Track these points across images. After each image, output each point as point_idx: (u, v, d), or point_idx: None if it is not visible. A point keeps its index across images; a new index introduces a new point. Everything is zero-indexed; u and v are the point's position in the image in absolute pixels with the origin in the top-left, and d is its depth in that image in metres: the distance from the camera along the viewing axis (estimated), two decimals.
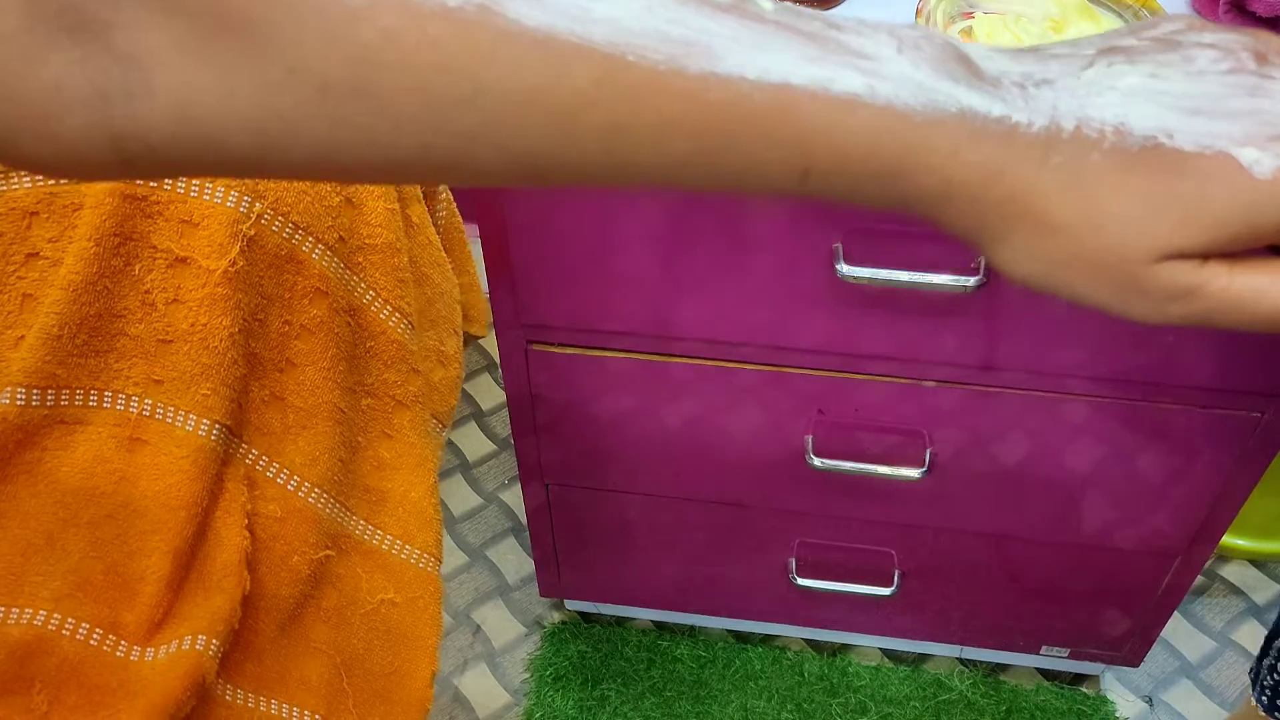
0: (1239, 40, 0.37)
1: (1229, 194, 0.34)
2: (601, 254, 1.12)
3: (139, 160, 0.37)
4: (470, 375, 2.03)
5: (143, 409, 0.82)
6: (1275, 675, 1.02)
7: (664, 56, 0.35)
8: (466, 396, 2.00)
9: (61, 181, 0.79)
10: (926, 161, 0.35)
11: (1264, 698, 1.05)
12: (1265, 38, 0.37)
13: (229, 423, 0.83)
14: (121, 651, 0.80)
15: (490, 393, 2.00)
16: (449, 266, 1.06)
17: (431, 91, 0.35)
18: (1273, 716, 1.05)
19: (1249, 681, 1.10)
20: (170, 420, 0.82)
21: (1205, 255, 0.35)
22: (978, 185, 0.36)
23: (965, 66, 0.36)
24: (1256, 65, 0.36)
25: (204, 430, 0.82)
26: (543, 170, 0.37)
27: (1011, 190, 0.35)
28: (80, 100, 0.35)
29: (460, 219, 1.14)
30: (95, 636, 0.79)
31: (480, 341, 2.06)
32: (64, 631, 0.78)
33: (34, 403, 0.78)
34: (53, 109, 0.35)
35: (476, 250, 1.15)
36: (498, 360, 1.70)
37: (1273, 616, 1.65)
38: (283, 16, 0.34)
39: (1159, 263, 0.35)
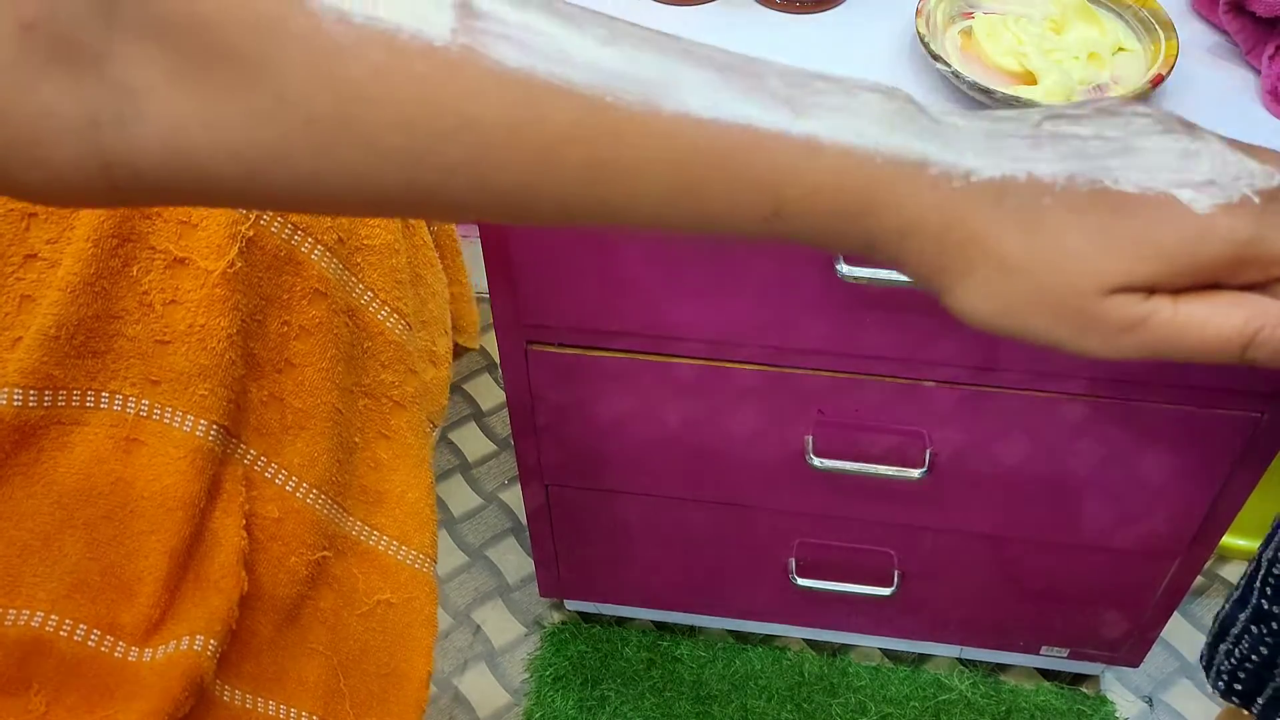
0: (1170, 114, 0.40)
1: (1173, 229, 0.37)
2: (601, 254, 1.12)
3: (127, 188, 0.38)
4: (470, 375, 2.03)
5: (140, 409, 0.82)
6: (1232, 660, 1.02)
7: (639, 98, 0.36)
8: (466, 396, 2.00)
9: None
10: (889, 201, 0.37)
11: (1220, 683, 1.05)
12: (1189, 122, 0.40)
13: (227, 423, 0.83)
14: (119, 652, 0.79)
15: (490, 393, 2.00)
16: (440, 268, 1.06)
17: (416, 126, 0.36)
18: (1230, 701, 1.05)
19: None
20: (168, 421, 0.82)
21: (1151, 289, 0.37)
22: (938, 226, 0.38)
23: (925, 118, 0.38)
24: (1186, 132, 0.39)
25: (201, 431, 0.82)
26: (522, 206, 0.39)
27: (971, 232, 0.38)
28: (71, 128, 0.36)
29: (454, 227, 1.14)
30: (93, 637, 0.79)
31: (480, 341, 2.06)
32: (61, 632, 0.78)
33: (31, 403, 0.78)
34: (44, 136, 0.36)
35: (472, 251, 1.15)
36: (498, 360, 1.70)
37: None
38: (272, 50, 0.35)
39: (1109, 296, 0.37)
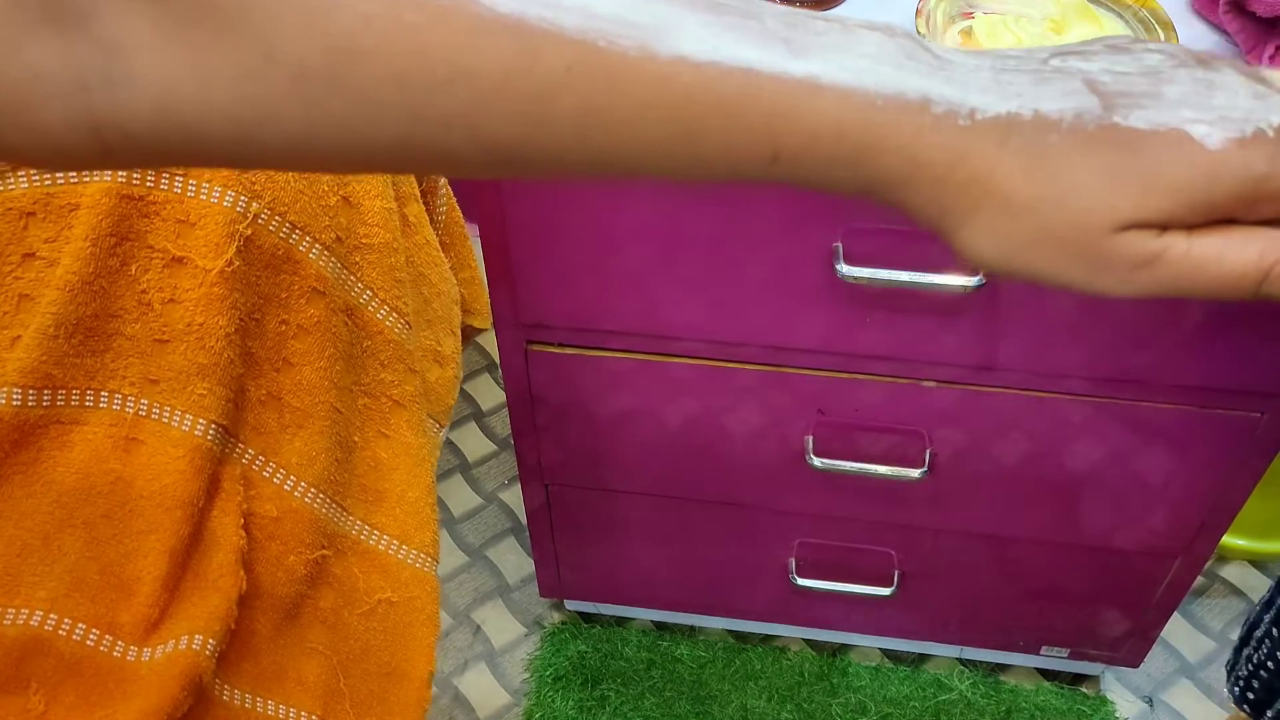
0: (1183, 48, 0.39)
1: (1184, 165, 0.36)
2: (601, 254, 1.12)
3: (118, 149, 0.37)
4: (470, 375, 2.03)
5: (139, 409, 0.82)
6: (1250, 665, 1.01)
7: (635, 42, 0.36)
8: (466, 396, 2.00)
9: (58, 181, 0.79)
10: (891, 142, 0.36)
11: (1236, 688, 1.04)
12: (1208, 52, 0.39)
13: (225, 422, 0.83)
14: (118, 651, 0.79)
15: (490, 393, 2.00)
16: (446, 266, 1.06)
17: (408, 78, 0.35)
18: (1242, 709, 1.04)
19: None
20: (166, 420, 0.82)
21: (1164, 226, 0.37)
22: (942, 166, 0.37)
23: (928, 57, 0.37)
24: (1200, 65, 0.38)
25: (200, 430, 0.82)
26: (518, 157, 0.38)
27: (975, 171, 0.37)
28: (60, 88, 0.36)
29: (460, 214, 1.14)
30: (92, 637, 0.79)
31: (480, 342, 2.06)
32: (60, 632, 0.77)
33: (30, 403, 0.78)
34: (33, 97, 0.36)
35: (478, 247, 1.15)
36: (498, 360, 1.70)
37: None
38: (260, 3, 0.34)
39: (1120, 233, 0.36)
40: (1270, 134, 0.36)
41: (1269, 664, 0.98)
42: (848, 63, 0.36)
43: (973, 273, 1.05)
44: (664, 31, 0.36)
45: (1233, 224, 0.37)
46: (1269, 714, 1.00)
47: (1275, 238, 0.37)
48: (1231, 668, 1.07)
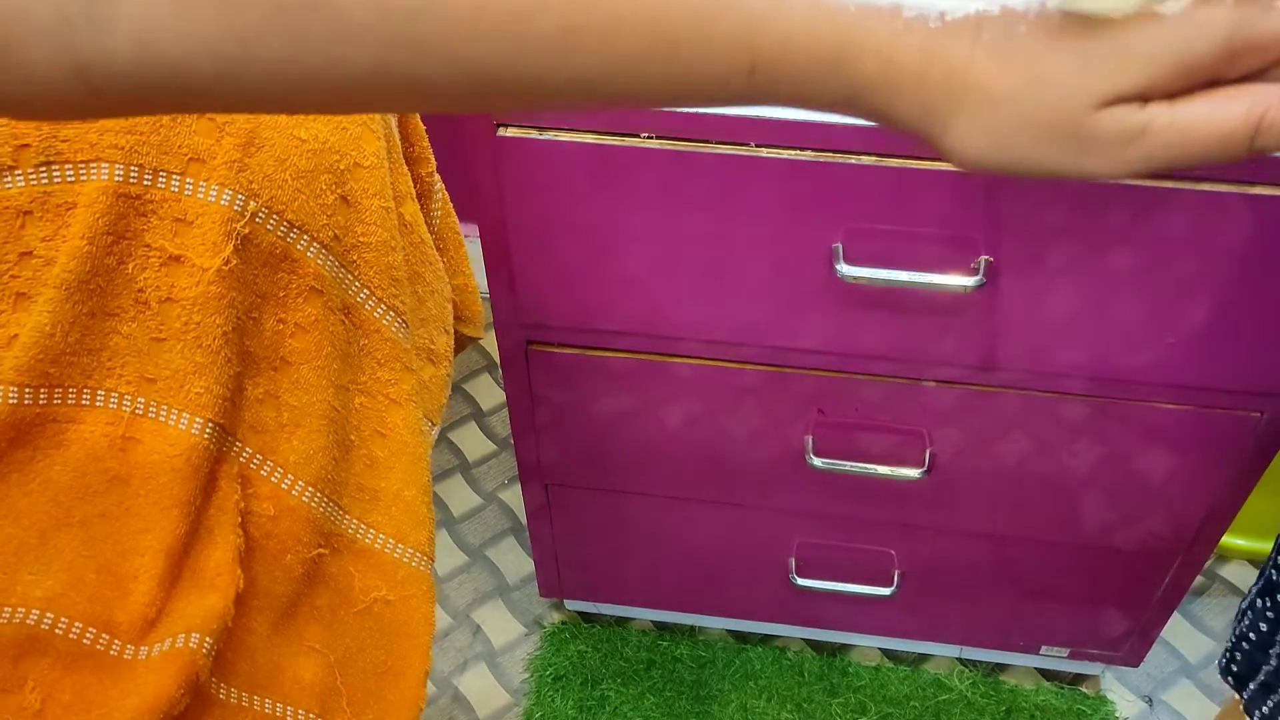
0: None
1: (1154, 34, 0.36)
2: (601, 254, 1.12)
3: (104, 91, 0.38)
4: (470, 375, 2.03)
5: (135, 407, 0.82)
6: (1234, 637, 1.01)
7: None
8: (466, 396, 2.00)
9: (55, 179, 0.78)
10: (867, 44, 0.37)
11: (1222, 660, 1.04)
12: None
13: (222, 421, 0.83)
14: (115, 650, 0.79)
15: (490, 393, 2.00)
16: (440, 265, 1.06)
17: (387, 1, 0.36)
18: (1227, 681, 1.04)
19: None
20: (163, 419, 0.82)
21: (1145, 97, 0.37)
22: (919, 65, 0.37)
23: None
24: None
25: (197, 428, 0.82)
26: (497, 82, 0.38)
27: (953, 66, 0.37)
28: (44, 27, 0.36)
29: (456, 220, 1.14)
30: (89, 635, 0.79)
31: (480, 341, 2.06)
32: (57, 630, 0.77)
33: (26, 401, 0.78)
34: (16, 38, 0.36)
35: (471, 251, 1.15)
36: (498, 360, 1.70)
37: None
38: None
39: (1101, 110, 0.37)
40: None
41: (1251, 635, 0.98)
42: None
43: (973, 272, 1.05)
44: None
45: (1215, 86, 0.37)
46: (1251, 686, 0.99)
47: (1258, 89, 0.37)
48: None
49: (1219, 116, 0.36)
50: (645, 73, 0.38)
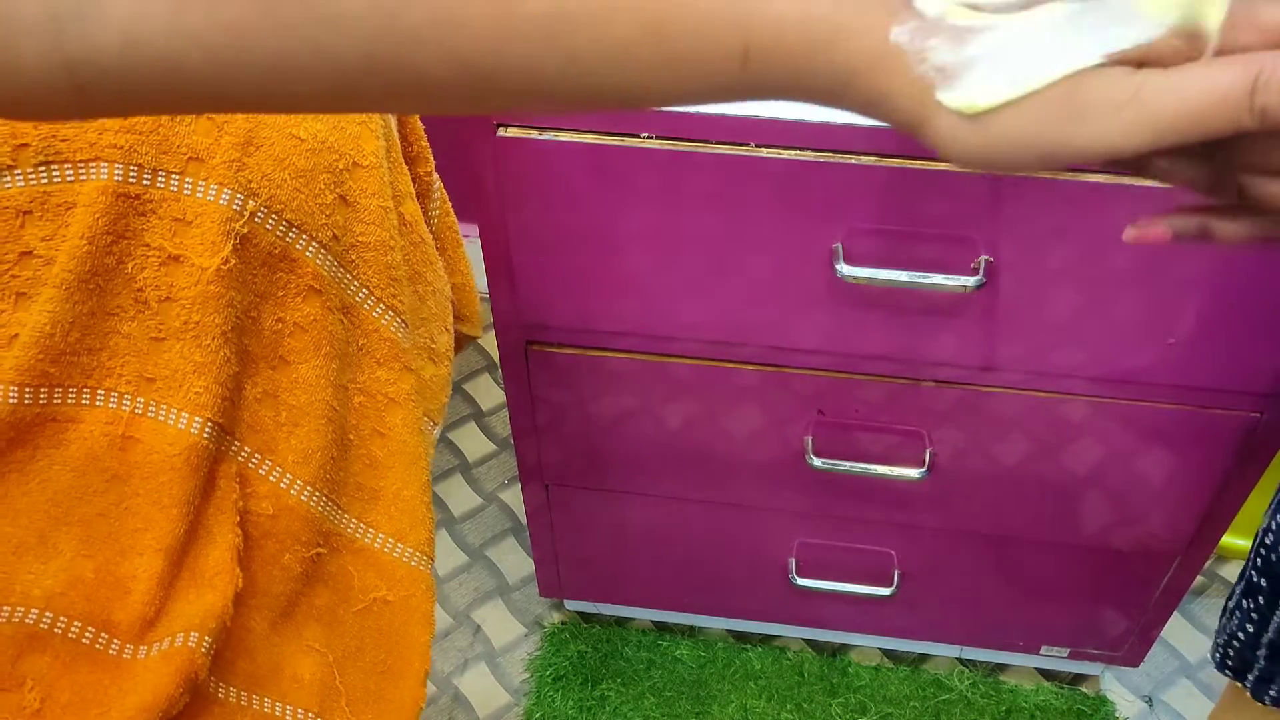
0: None
1: None
2: (601, 254, 1.12)
3: (93, 88, 0.38)
4: (470, 375, 2.03)
5: (135, 407, 0.82)
6: (1225, 634, 1.01)
7: None
8: (466, 396, 2.00)
9: (54, 179, 0.79)
10: (860, 26, 0.37)
11: (1216, 654, 1.04)
12: None
13: (221, 420, 0.83)
14: (114, 649, 0.80)
15: (490, 393, 2.00)
16: (440, 264, 1.06)
17: None
18: (1224, 673, 1.04)
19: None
20: (162, 418, 0.82)
21: (1139, 63, 0.37)
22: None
23: None
24: None
25: (196, 428, 0.82)
26: (491, 74, 0.38)
27: None
28: (32, 26, 0.36)
29: (455, 219, 1.14)
30: (88, 634, 0.79)
31: (480, 341, 2.06)
32: (56, 629, 0.78)
33: (26, 401, 0.78)
34: (7, 34, 0.36)
35: (471, 251, 1.15)
36: (498, 360, 1.70)
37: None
38: None
39: (1092, 74, 0.36)
40: None
41: (1240, 634, 0.98)
42: None
43: (973, 272, 1.05)
44: None
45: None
46: (1250, 678, 1.00)
47: (1257, 54, 0.36)
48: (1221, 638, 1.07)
49: (1214, 75, 0.36)
50: (638, 60, 0.38)
